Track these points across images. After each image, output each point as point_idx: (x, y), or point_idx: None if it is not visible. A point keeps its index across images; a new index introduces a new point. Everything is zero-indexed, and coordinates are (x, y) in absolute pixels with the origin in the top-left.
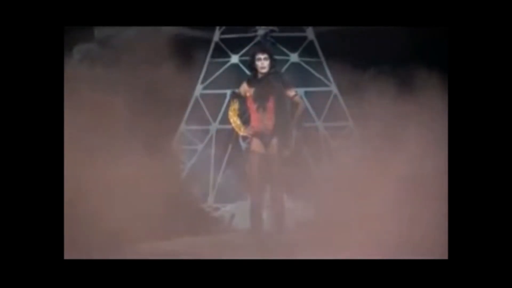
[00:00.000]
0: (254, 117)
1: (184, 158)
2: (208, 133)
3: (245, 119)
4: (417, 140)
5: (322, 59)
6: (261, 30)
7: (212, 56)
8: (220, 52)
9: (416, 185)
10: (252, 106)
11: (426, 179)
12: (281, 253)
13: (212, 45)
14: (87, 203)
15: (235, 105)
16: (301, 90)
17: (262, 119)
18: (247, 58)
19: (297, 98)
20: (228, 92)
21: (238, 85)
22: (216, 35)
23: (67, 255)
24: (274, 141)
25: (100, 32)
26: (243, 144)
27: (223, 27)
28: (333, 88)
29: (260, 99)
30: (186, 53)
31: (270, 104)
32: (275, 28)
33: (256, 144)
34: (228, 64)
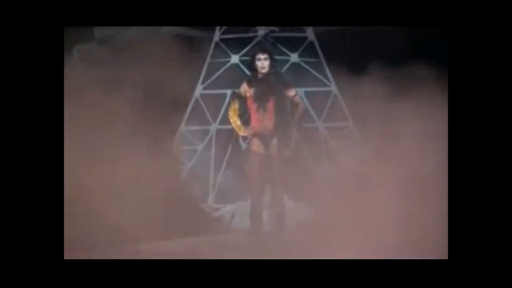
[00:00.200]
0: (254, 117)
1: (184, 158)
2: (208, 133)
3: (245, 119)
4: (417, 140)
5: (322, 59)
6: (261, 30)
7: (212, 56)
8: (220, 52)
9: (416, 185)
10: (252, 106)
11: (426, 179)
12: (281, 253)
13: (212, 45)
14: (87, 203)
15: (235, 105)
16: (301, 90)
17: (262, 119)
18: (247, 58)
19: (297, 98)
20: (228, 92)
21: (238, 85)
22: (216, 35)
23: (67, 255)
24: (274, 141)
25: (100, 32)
26: (243, 144)
27: (223, 27)
28: (333, 88)
29: (260, 99)
30: (186, 53)
31: (270, 104)
32: (275, 28)
33: (256, 144)
34: (228, 64)
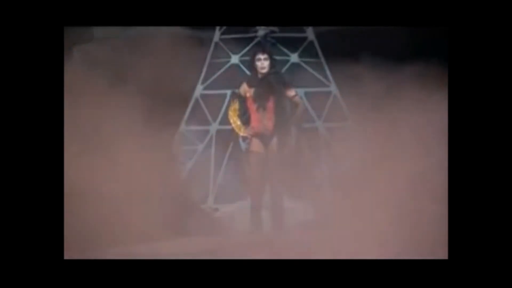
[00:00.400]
0: (254, 117)
1: (184, 158)
2: (208, 133)
3: (245, 120)
4: (417, 140)
5: (322, 59)
6: (261, 31)
7: (212, 56)
8: (220, 52)
9: (416, 185)
10: (252, 106)
11: (426, 179)
12: (280, 253)
13: (212, 45)
14: (87, 203)
15: (235, 105)
16: (301, 91)
17: (262, 120)
18: (247, 58)
19: (297, 99)
20: (228, 92)
21: (238, 85)
22: (216, 35)
23: (67, 255)
24: (274, 141)
25: (100, 32)
26: (243, 145)
27: (223, 27)
28: (333, 88)
29: (260, 99)
30: (186, 53)
31: (270, 105)
32: (275, 28)
33: (256, 145)
34: (228, 64)
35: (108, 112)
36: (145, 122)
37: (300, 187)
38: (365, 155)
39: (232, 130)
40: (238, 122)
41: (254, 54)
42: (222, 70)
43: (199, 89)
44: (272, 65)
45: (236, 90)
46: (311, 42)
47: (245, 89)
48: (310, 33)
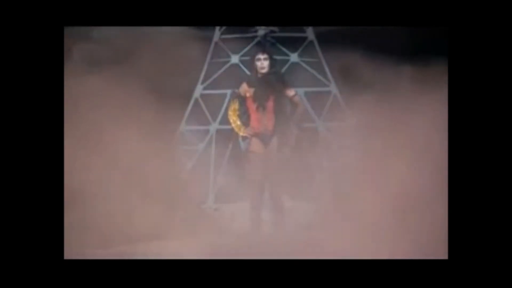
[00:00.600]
0: (254, 117)
1: (184, 158)
2: (208, 133)
3: (245, 119)
4: (417, 140)
5: (322, 59)
6: (261, 31)
7: (212, 56)
8: (220, 52)
9: (416, 185)
10: (252, 106)
11: (426, 179)
12: (281, 253)
13: (212, 45)
14: (87, 203)
15: (235, 105)
16: (301, 90)
17: (262, 119)
18: (247, 58)
19: (296, 98)
20: (228, 92)
21: (238, 85)
22: (216, 35)
23: (67, 255)
24: (274, 141)
25: (100, 32)
26: (243, 144)
27: (223, 27)
28: (333, 88)
29: (260, 99)
30: (186, 53)
31: (270, 104)
32: (275, 28)
33: (255, 144)
34: (228, 64)
35: (108, 112)
36: (145, 122)
37: (300, 187)
38: (365, 155)
39: (232, 130)
40: (238, 122)
41: (254, 54)
42: (222, 70)
43: (199, 89)
44: (272, 65)
45: (236, 90)
46: (311, 42)
47: (245, 89)
48: (310, 33)
